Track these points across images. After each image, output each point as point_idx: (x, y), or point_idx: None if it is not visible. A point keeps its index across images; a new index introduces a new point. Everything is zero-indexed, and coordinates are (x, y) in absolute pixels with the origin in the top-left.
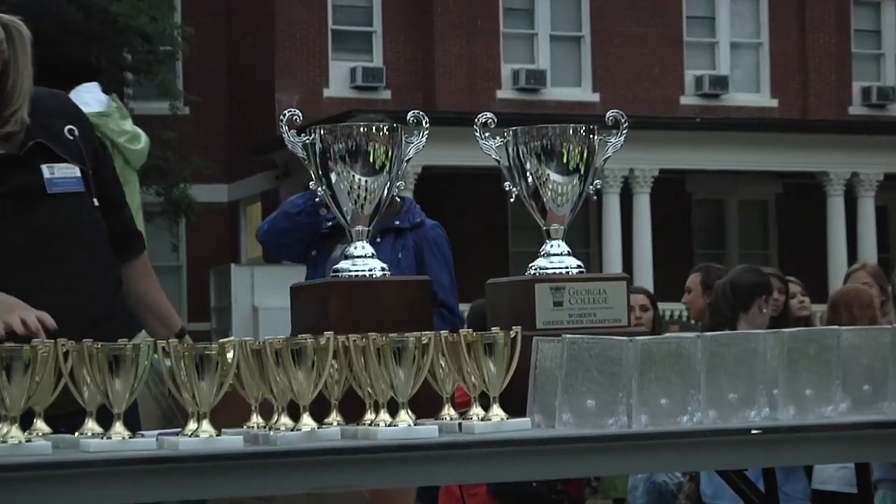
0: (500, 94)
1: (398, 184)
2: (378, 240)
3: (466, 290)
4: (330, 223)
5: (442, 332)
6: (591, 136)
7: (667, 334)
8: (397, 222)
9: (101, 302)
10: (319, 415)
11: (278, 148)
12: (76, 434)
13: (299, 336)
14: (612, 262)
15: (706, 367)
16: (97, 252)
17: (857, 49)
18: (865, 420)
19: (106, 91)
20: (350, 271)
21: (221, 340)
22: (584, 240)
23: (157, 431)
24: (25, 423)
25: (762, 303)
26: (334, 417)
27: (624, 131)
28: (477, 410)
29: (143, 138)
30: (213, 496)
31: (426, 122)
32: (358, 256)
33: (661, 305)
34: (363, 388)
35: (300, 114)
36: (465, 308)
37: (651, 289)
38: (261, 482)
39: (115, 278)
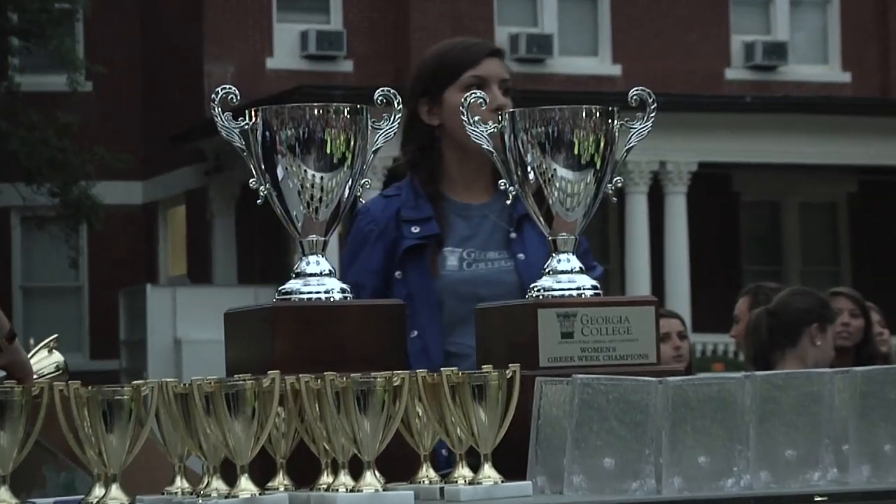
0: None
1: (362, 181)
2: (513, 235)
3: None
4: (417, 229)
5: (419, 371)
6: (611, 119)
7: (707, 374)
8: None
9: None
10: (262, 477)
11: (208, 135)
12: None
13: (236, 377)
14: (638, 281)
15: (757, 416)
16: None
17: None
18: None
19: None
20: (301, 293)
21: (136, 382)
22: (602, 252)
23: (52, 500)
24: None
25: (815, 332)
26: (281, 480)
27: (652, 114)
28: (464, 472)
29: None
30: None
31: (398, 103)
32: (311, 274)
33: (701, 337)
34: (318, 444)
35: (237, 91)
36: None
37: (688, 315)
38: None
39: None
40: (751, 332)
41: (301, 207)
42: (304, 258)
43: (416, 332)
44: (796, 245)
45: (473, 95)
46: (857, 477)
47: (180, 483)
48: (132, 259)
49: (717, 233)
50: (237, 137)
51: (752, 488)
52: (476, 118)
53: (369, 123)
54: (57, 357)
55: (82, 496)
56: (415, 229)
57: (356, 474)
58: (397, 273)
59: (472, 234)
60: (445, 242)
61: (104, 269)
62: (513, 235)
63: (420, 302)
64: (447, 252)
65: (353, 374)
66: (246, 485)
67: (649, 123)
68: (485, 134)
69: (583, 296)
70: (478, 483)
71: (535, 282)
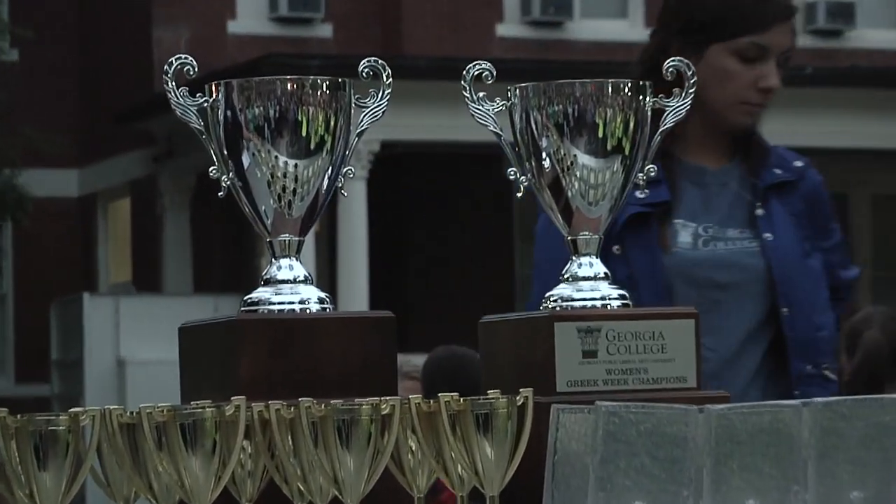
0: (503, 29)
1: (345, 170)
2: (759, 210)
3: (444, 330)
4: (643, 194)
5: (413, 397)
6: (642, 96)
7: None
8: (778, 171)
9: None
10: None
11: (158, 114)
12: None
13: (192, 403)
14: None
15: (817, 452)
16: None
17: None
18: None
19: None
20: (271, 304)
21: (73, 410)
22: None
23: None
24: None
25: None
26: None
27: (692, 89)
28: None
29: None
30: None
31: (388, 76)
32: (283, 281)
33: None
34: (291, 484)
35: (193, 62)
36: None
37: None
38: None
39: None
40: (870, 356)
41: (271, 201)
42: (274, 262)
43: None
44: (868, 245)
45: (478, 66)
46: None
47: None
48: (66, 263)
49: None
50: (194, 117)
51: None
52: (482, 94)
53: (353, 100)
54: None
55: None
56: (640, 193)
57: None
58: (615, 247)
59: (708, 206)
60: (675, 213)
61: (32, 273)
62: (759, 211)
63: (645, 285)
64: (678, 225)
65: (333, 401)
66: None
67: (688, 101)
68: (491, 114)
69: (608, 307)
70: None
71: (785, 268)
